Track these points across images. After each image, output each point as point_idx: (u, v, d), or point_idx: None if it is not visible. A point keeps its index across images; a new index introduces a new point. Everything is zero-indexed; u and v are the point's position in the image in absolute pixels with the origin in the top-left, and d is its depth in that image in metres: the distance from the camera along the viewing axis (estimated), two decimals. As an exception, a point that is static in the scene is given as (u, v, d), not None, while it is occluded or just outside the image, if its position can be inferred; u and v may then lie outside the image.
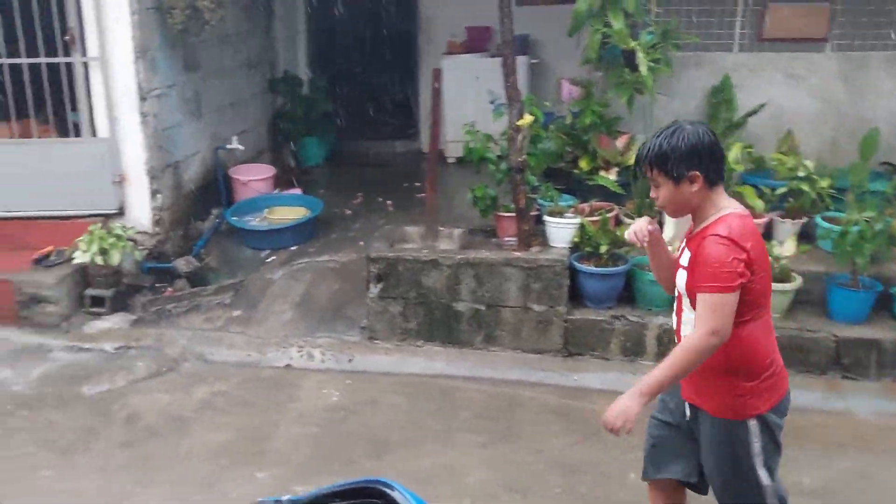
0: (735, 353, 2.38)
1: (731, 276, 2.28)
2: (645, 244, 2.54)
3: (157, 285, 5.42)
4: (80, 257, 5.07)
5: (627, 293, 4.67)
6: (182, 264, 5.49)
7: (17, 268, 5.13)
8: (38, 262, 5.19)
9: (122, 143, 5.46)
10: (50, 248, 5.29)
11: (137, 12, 5.27)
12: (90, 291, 5.14)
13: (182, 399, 4.32)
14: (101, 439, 3.93)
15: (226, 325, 5.08)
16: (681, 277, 2.45)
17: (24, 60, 5.34)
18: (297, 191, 6.65)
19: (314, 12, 8.21)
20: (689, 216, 2.48)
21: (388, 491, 1.75)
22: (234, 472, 3.67)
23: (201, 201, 6.15)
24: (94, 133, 5.51)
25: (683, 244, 2.50)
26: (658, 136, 2.43)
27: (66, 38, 5.43)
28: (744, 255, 2.30)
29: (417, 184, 6.83)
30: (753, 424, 2.42)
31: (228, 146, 6.32)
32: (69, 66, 5.45)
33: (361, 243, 5.76)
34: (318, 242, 5.99)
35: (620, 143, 5.37)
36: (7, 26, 5.29)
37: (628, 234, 2.55)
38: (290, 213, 6.12)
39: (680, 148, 2.36)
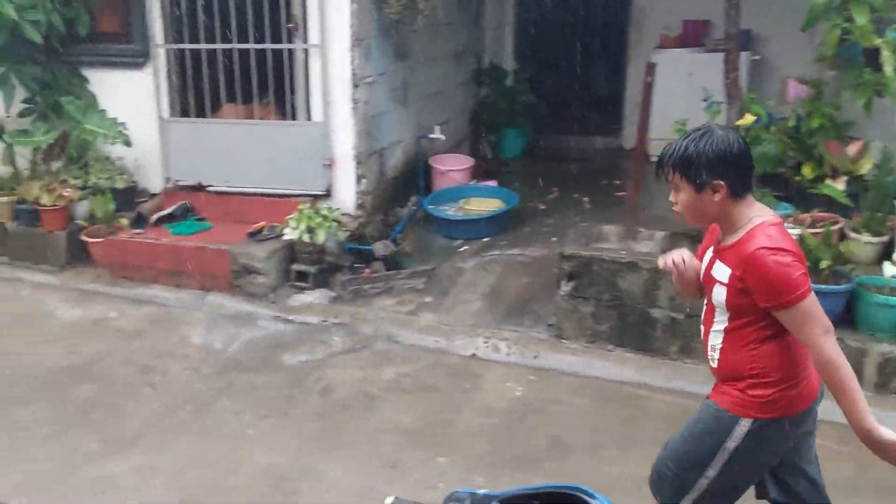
0: (767, 358, 2.28)
1: (802, 279, 2.17)
2: (676, 275, 2.46)
3: (355, 266, 5.63)
4: (289, 234, 5.37)
5: (848, 315, 4.24)
6: (380, 247, 5.67)
7: (235, 240, 5.52)
8: (252, 235, 5.56)
9: (333, 128, 5.71)
10: (263, 223, 5.65)
11: (357, 1, 5.48)
12: (296, 267, 5.43)
13: (372, 376, 4.46)
14: (297, 407, 4.13)
15: (417, 310, 5.18)
16: (719, 293, 2.30)
17: (252, 46, 5.72)
18: (493, 182, 6.67)
19: (523, 3, 8.19)
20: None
21: (590, 500, 1.65)
22: (417, 453, 3.72)
23: (401, 188, 6.32)
24: (309, 117, 5.81)
25: (711, 255, 2.37)
26: (686, 137, 2.27)
27: (290, 25, 5.76)
28: (797, 258, 2.19)
29: (617, 182, 6.63)
30: (744, 424, 2.30)
31: (431, 135, 6.45)
32: (290, 52, 5.78)
33: (554, 239, 5.67)
34: (510, 235, 5.98)
35: (852, 149, 4.88)
36: (239, 15, 5.69)
37: (661, 261, 2.47)
38: (485, 205, 6.15)
39: (706, 153, 2.22)
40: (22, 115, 6.14)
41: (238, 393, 4.28)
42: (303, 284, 5.40)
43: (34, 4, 5.73)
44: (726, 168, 2.22)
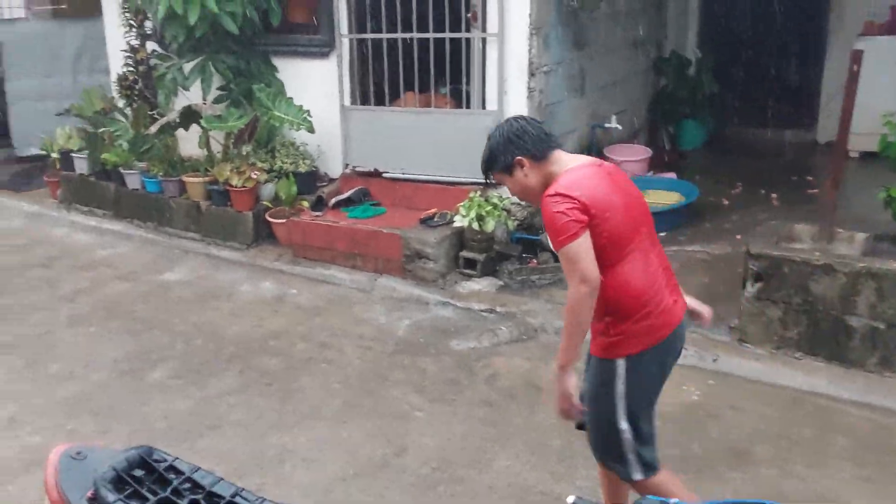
0: (606, 296, 2.41)
1: (567, 225, 2.34)
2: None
3: (523, 255, 5.57)
4: (459, 221, 5.40)
5: None
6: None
7: (407, 225, 5.62)
8: (423, 221, 5.63)
9: (507, 117, 5.66)
10: (434, 209, 5.71)
11: (537, -11, 5.41)
12: (465, 254, 5.45)
13: (539, 368, 4.38)
14: (464, 393, 4.14)
15: (586, 304, 5.04)
16: None
17: (431, 35, 5.78)
18: (672, 175, 6.39)
19: (709, -10, 7.80)
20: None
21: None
22: (585, 450, 3.59)
23: (574, 178, 6.18)
24: (483, 106, 5.81)
25: None
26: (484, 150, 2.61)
27: (469, 14, 5.77)
28: (574, 203, 2.36)
29: (808, 178, 6.15)
30: (621, 364, 2.46)
31: (606, 125, 6.27)
32: (468, 41, 5.79)
33: (738, 237, 5.34)
34: (689, 231, 5.70)
35: None
36: (420, 5, 5.76)
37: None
38: (662, 198, 5.90)
39: (496, 147, 2.56)
40: (217, 101, 6.55)
41: (408, 374, 4.35)
42: (470, 272, 5.42)
43: (233, -3, 6.09)
44: (516, 146, 2.52)
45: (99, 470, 2.09)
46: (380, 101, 6.19)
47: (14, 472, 3.44)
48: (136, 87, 7.04)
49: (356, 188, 6.12)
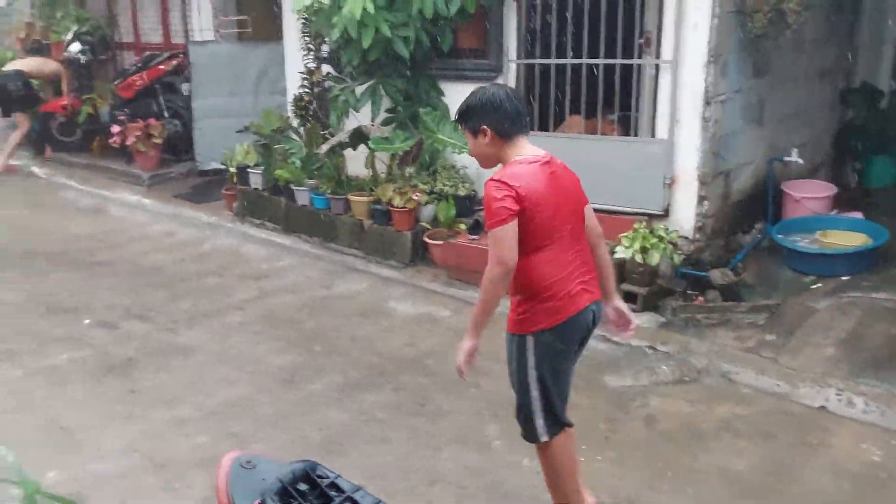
0: (519, 277, 2.75)
1: (500, 210, 2.65)
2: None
3: (688, 292, 5.31)
4: (621, 252, 5.22)
5: None
6: (717, 275, 5.29)
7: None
8: (584, 250, 5.49)
9: (678, 146, 5.46)
10: (596, 239, 5.56)
11: (718, 16, 5.17)
12: (625, 287, 5.25)
13: (702, 413, 4.14)
14: (619, 432, 3.97)
15: (756, 348, 4.72)
16: None
17: (601, 61, 5.66)
18: (858, 215, 5.90)
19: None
20: None
21: None
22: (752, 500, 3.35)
23: (745, 213, 5.86)
24: (653, 134, 5.61)
25: None
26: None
27: (642, 41, 5.62)
28: (511, 192, 2.65)
29: None
30: (530, 339, 2.83)
31: (786, 158, 5.90)
32: (640, 67, 5.63)
33: (934, 286, 4.85)
34: (875, 276, 5.23)
35: None
36: (591, 30, 5.67)
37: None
38: (846, 239, 5.46)
39: (473, 105, 2.80)
40: (385, 123, 6.73)
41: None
42: (631, 305, 5.18)
43: (406, 22, 6.24)
44: (487, 115, 2.77)
45: (266, 480, 2.14)
46: (543, 127, 6.13)
47: (184, 469, 3.62)
48: (311, 107, 7.37)
49: (515, 213, 6.07)
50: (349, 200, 6.61)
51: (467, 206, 6.32)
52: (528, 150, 2.85)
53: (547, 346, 2.83)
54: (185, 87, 9.10)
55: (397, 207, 6.19)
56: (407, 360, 4.75)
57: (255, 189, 7.42)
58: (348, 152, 6.89)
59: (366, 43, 6.13)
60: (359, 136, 6.58)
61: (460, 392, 4.36)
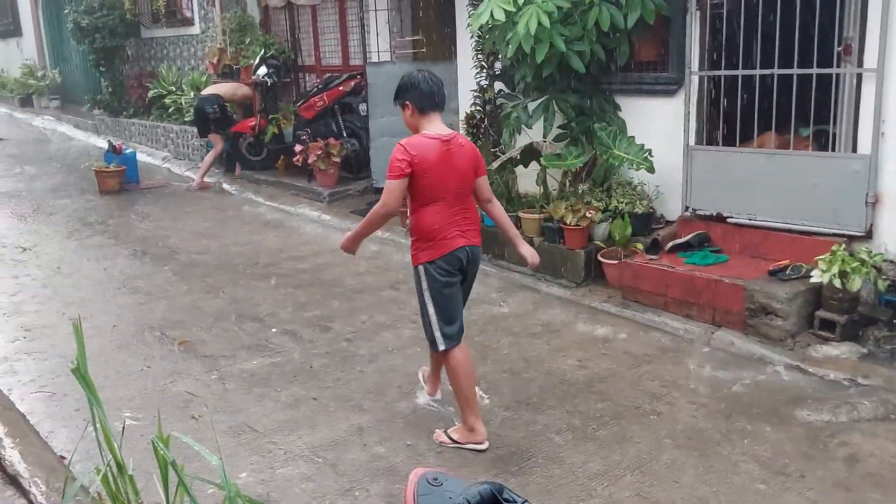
0: (413, 223, 3.83)
1: (394, 168, 3.67)
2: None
3: (894, 321, 4.85)
4: (817, 276, 4.84)
5: None
6: (928, 303, 4.79)
7: (752, 276, 5.18)
8: (772, 273, 5.16)
9: (883, 162, 5.02)
10: (786, 261, 5.21)
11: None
12: (821, 314, 4.88)
13: (914, 457, 3.74)
14: (816, 471, 3.65)
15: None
16: None
17: (794, 71, 5.31)
18: None
19: None
20: None
21: None
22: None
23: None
24: (854, 148, 5.20)
25: None
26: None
27: (841, 48, 5.23)
28: (407, 157, 3.64)
29: None
30: (421, 269, 3.84)
31: None
32: (837, 77, 5.24)
33: None
34: None
35: None
36: (783, 39, 5.33)
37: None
38: None
39: (401, 86, 3.84)
40: (557, 139, 6.66)
41: (746, 440, 3.95)
42: (827, 334, 4.82)
43: (581, 36, 6.16)
44: (409, 94, 3.77)
45: (453, 500, 2.12)
46: (729, 142, 5.84)
47: (362, 477, 3.70)
48: (482, 125, 7.44)
49: (695, 232, 5.81)
50: (519, 217, 6.59)
51: (644, 224, 6.11)
52: (437, 127, 3.81)
53: (432, 273, 3.82)
54: (362, 108, 9.47)
55: (569, 225, 6.09)
56: (580, 383, 4.64)
57: (428, 205, 7.55)
58: (519, 169, 6.88)
59: (539, 58, 6.10)
60: (530, 153, 6.56)
61: (639, 419, 4.20)
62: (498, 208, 4.15)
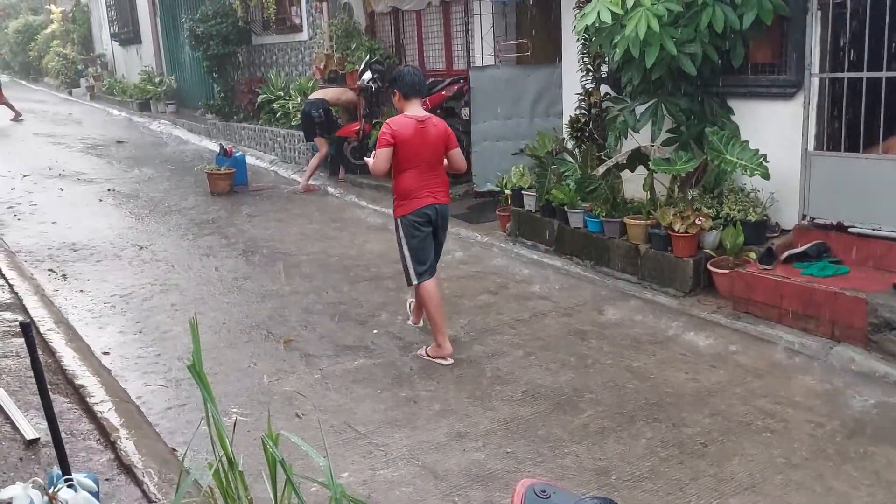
0: (393, 185, 5.03)
1: (381, 140, 4.83)
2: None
3: None
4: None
5: None
6: None
7: (876, 289, 4.88)
8: (898, 286, 4.84)
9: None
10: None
11: None
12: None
13: None
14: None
15: None
16: None
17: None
18: None
19: None
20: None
21: None
22: None
23: None
24: None
25: None
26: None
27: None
28: (390, 132, 4.82)
29: None
30: (398, 221, 5.04)
31: None
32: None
33: None
34: None
35: None
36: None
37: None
38: None
39: (393, 77, 5.14)
40: (666, 144, 6.47)
41: (867, 464, 3.72)
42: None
43: (693, 38, 5.96)
44: (397, 83, 5.00)
45: (563, 513, 2.05)
46: (852, 147, 5.52)
47: (461, 483, 3.67)
48: (587, 129, 7.31)
49: (813, 242, 5.52)
50: (625, 224, 6.43)
51: (758, 232, 5.86)
52: (416, 110, 4.97)
53: (406, 224, 5.00)
54: (464, 112, 9.48)
55: (678, 232, 5.90)
56: (687, 396, 4.47)
57: (529, 211, 7.50)
58: (624, 174, 6.72)
59: (649, 62, 5.93)
60: (637, 158, 6.40)
61: (750, 436, 4.01)
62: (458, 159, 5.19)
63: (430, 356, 5.05)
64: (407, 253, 5.04)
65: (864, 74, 5.29)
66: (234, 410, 4.32)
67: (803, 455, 3.83)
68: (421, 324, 5.56)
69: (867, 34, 5.23)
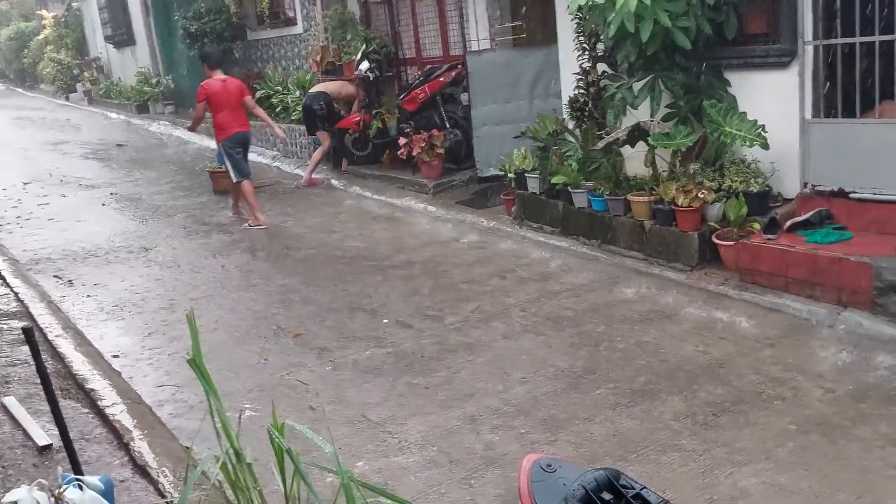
0: (213, 122, 8.80)
1: (198, 95, 8.68)
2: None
3: None
4: (953, 250, 4.53)
5: None
6: None
7: (880, 253, 4.89)
8: (903, 249, 4.86)
9: None
10: (919, 236, 4.89)
11: None
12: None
13: None
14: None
15: None
16: None
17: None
18: None
19: None
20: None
21: None
22: None
23: None
24: None
25: None
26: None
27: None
28: (204, 90, 8.60)
29: None
30: (220, 144, 8.83)
31: None
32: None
33: None
34: None
35: None
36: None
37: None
38: None
39: (201, 55, 9.66)
40: (665, 119, 6.47)
41: (880, 426, 3.75)
42: (967, 313, 4.50)
43: (686, 12, 5.95)
44: (207, 59, 8.96)
45: (567, 485, 2.10)
46: (849, 113, 5.52)
47: (477, 466, 3.72)
48: (586, 108, 7.32)
49: (815, 210, 5.53)
50: (628, 201, 6.45)
51: (760, 203, 5.87)
52: (219, 75, 8.73)
53: (225, 146, 8.66)
54: (463, 97, 9.48)
55: (681, 207, 5.92)
56: (698, 368, 4.51)
57: (533, 193, 7.51)
58: (626, 152, 6.73)
59: (644, 36, 5.93)
60: (637, 133, 6.40)
61: (762, 404, 4.04)
62: (259, 109, 9.18)
63: (251, 226, 8.54)
64: (230, 164, 8.64)
65: (857, 39, 5.28)
66: (246, 405, 4.36)
67: (815, 421, 3.86)
68: (244, 217, 8.94)
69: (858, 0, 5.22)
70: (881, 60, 5.24)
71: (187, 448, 4.00)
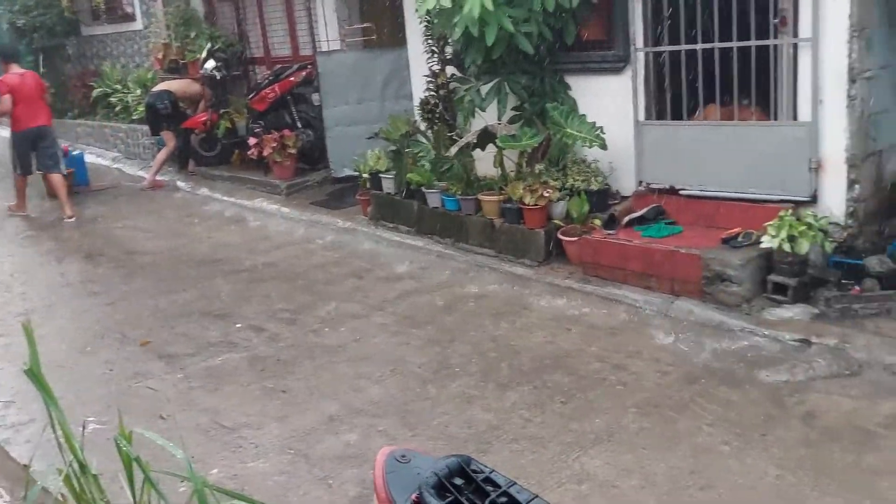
0: (11, 115, 8.83)
1: (0, 90, 8.72)
2: None
3: (842, 281, 5.01)
4: (767, 242, 4.99)
5: None
6: (874, 263, 4.96)
7: (707, 245, 5.32)
8: (725, 241, 5.29)
9: (822, 128, 5.17)
10: (738, 229, 5.34)
11: (860, -13, 4.87)
12: (773, 278, 5.02)
13: (865, 409, 3.90)
14: (777, 430, 3.79)
15: (924, 338, 4.42)
16: None
17: (734, 44, 5.42)
18: None
19: None
20: None
21: None
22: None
23: (903, 196, 5.47)
24: (794, 116, 5.34)
25: None
26: None
27: (777, 20, 5.36)
28: (4, 85, 8.72)
29: None
30: (12, 135, 9.07)
31: (946, 134, 5.46)
32: (776, 48, 5.37)
33: None
34: None
35: None
36: (722, 13, 5.44)
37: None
38: None
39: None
40: (511, 121, 6.72)
41: (710, 404, 4.08)
42: (780, 298, 4.97)
43: (528, 18, 6.20)
44: (2, 56, 9.34)
45: (421, 474, 2.16)
46: (676, 116, 5.95)
47: (336, 466, 3.74)
48: (437, 110, 7.45)
49: (650, 206, 5.93)
50: (479, 200, 6.64)
51: (601, 200, 6.21)
52: (16, 70, 8.97)
53: (14, 140, 8.97)
54: (315, 98, 9.40)
55: (528, 205, 6.16)
56: (547, 359, 4.73)
57: (388, 193, 7.57)
58: (476, 153, 6.91)
59: (489, 40, 6.11)
60: (486, 136, 6.60)
61: (605, 391, 4.30)
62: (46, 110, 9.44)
63: (12, 211, 9.19)
64: (13, 156, 9.04)
65: (682, 47, 5.71)
66: (91, 419, 4.14)
67: (653, 403, 4.15)
68: (26, 212, 9.22)
69: (682, 11, 5.64)
70: (704, 67, 5.69)
71: (26, 466, 3.76)
